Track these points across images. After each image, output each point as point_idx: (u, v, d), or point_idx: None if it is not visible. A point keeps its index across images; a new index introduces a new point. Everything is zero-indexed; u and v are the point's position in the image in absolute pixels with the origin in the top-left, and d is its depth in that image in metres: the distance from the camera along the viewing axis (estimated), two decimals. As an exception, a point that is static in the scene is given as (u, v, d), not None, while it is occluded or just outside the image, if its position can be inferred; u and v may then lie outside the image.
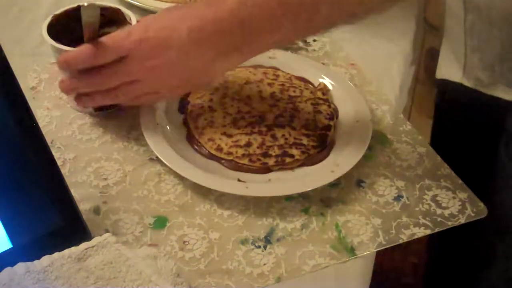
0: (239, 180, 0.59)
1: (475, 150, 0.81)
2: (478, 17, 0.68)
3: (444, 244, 0.94)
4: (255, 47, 0.59)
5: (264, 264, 0.54)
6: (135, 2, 0.85)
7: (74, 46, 0.61)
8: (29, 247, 0.48)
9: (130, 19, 0.67)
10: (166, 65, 0.58)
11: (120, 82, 0.60)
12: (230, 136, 0.63)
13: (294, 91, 0.69)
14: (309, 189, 0.59)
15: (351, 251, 0.55)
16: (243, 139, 0.62)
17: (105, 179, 0.61)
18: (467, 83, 0.73)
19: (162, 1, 0.85)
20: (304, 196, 0.60)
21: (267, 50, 0.62)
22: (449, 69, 0.74)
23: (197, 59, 0.58)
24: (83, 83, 0.61)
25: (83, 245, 0.48)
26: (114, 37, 0.59)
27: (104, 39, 0.58)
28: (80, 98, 0.64)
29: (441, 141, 0.67)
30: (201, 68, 0.59)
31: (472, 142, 0.81)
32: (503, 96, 0.70)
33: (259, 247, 0.55)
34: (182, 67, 0.59)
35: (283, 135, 0.63)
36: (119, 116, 0.68)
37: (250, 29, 0.57)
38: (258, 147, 0.62)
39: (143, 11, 0.85)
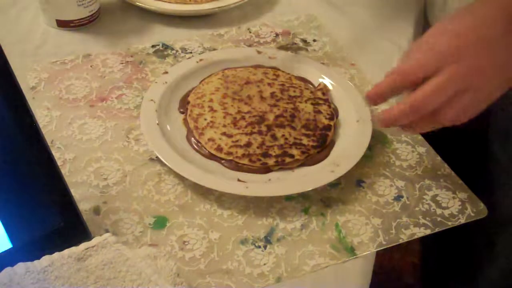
0: (239, 180, 0.59)
1: (470, 148, 0.81)
2: None
3: (440, 242, 0.94)
4: None
5: (264, 264, 0.54)
6: (135, 2, 0.85)
7: None
8: (29, 247, 0.48)
9: None
10: (489, 63, 0.53)
11: (443, 98, 0.53)
12: (230, 136, 0.63)
13: (294, 91, 0.69)
14: (309, 189, 0.59)
15: (351, 251, 0.55)
16: (243, 139, 0.62)
17: (105, 179, 0.61)
18: None
19: (162, 1, 0.85)
20: (304, 196, 0.60)
21: None
22: None
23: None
24: (405, 111, 0.54)
25: (83, 245, 0.48)
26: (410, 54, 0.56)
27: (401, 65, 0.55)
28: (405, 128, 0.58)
29: (441, 141, 0.67)
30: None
31: (466, 140, 0.81)
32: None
33: (259, 247, 0.55)
34: (503, 60, 0.53)
35: (283, 135, 0.63)
36: (118, 115, 0.68)
37: None
38: (258, 147, 0.62)
39: (143, 11, 0.85)
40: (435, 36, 0.55)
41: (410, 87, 0.55)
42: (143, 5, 0.84)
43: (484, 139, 0.79)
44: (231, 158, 0.61)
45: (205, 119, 0.65)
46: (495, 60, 0.53)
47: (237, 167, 0.61)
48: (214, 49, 0.78)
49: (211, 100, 0.67)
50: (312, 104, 0.67)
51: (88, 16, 0.82)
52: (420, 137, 0.68)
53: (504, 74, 0.54)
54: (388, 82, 0.56)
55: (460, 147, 0.81)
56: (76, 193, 0.56)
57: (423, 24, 0.87)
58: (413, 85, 0.54)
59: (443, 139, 0.67)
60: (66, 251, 0.47)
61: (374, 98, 0.58)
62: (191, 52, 0.78)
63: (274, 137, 0.63)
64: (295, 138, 0.63)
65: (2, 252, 0.47)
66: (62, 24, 0.81)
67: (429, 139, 0.67)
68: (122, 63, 0.76)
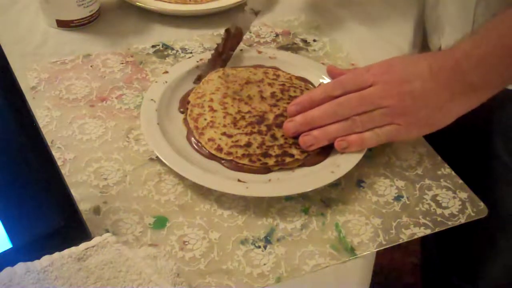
0: (239, 180, 0.59)
1: (471, 147, 0.81)
2: (482, 14, 0.68)
3: (441, 240, 0.94)
4: (492, 86, 0.60)
5: (264, 264, 0.54)
6: (135, 2, 0.85)
7: None
8: (29, 247, 0.48)
9: None
10: (410, 94, 0.58)
11: (364, 108, 0.60)
12: (230, 136, 0.63)
13: (295, 91, 0.69)
14: (309, 189, 0.59)
15: (351, 251, 0.55)
16: (243, 139, 0.62)
17: (105, 179, 0.61)
18: None
19: (162, 1, 0.85)
20: (304, 196, 0.60)
21: (502, 88, 0.61)
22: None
23: (437, 96, 0.58)
24: (322, 111, 0.61)
25: (83, 245, 0.48)
26: (353, 71, 0.62)
27: (342, 77, 0.63)
28: (304, 138, 0.61)
29: (441, 141, 0.67)
30: (439, 107, 0.59)
31: (467, 139, 0.81)
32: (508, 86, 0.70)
33: (259, 247, 0.55)
34: (423, 102, 0.59)
35: (283, 135, 0.63)
36: (118, 115, 0.68)
37: (486, 68, 0.58)
38: (258, 147, 0.62)
39: (143, 11, 0.85)
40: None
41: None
42: (143, 5, 0.84)
43: (485, 138, 0.79)
44: (231, 158, 0.61)
45: (205, 119, 0.65)
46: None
47: (237, 167, 0.61)
48: (214, 49, 0.78)
49: (211, 100, 0.67)
50: (312, 104, 0.67)
51: (88, 16, 0.82)
52: (420, 137, 0.68)
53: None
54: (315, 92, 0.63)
55: (461, 147, 0.81)
56: (76, 193, 0.56)
57: (423, 24, 0.87)
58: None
59: (443, 139, 0.67)
60: (66, 251, 0.47)
61: (307, 106, 0.62)
62: (191, 52, 0.78)
63: (274, 137, 0.63)
64: (295, 138, 0.63)
65: (2, 252, 0.47)
66: (62, 24, 0.81)
67: (429, 139, 0.67)
68: (122, 63, 0.76)
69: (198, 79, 0.71)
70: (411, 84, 0.58)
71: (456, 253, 0.92)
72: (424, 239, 1.04)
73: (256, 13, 0.72)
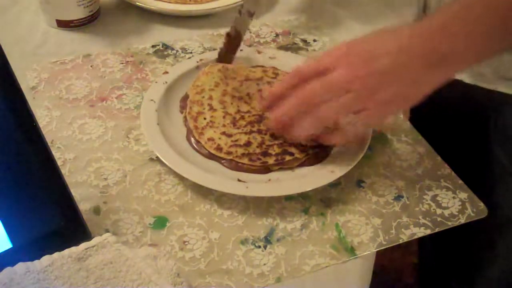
0: (239, 180, 0.59)
1: (471, 148, 0.81)
2: None
3: (439, 242, 0.94)
4: (464, 57, 0.55)
5: (264, 264, 0.54)
6: (135, 2, 0.85)
7: None
8: (29, 247, 0.48)
9: None
10: (378, 73, 0.54)
11: (330, 94, 0.55)
12: (229, 135, 0.63)
13: (294, 91, 0.69)
14: (309, 189, 0.59)
15: (351, 251, 0.55)
16: (243, 139, 0.62)
17: (105, 179, 0.61)
18: (466, 79, 0.72)
19: (162, 1, 0.85)
20: (304, 196, 0.60)
21: (478, 62, 0.59)
22: None
23: (408, 70, 0.55)
24: (288, 106, 0.58)
25: (83, 245, 0.48)
26: (316, 56, 0.58)
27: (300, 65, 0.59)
28: (288, 129, 0.60)
29: (441, 141, 0.67)
30: (411, 80, 0.55)
31: (466, 139, 0.81)
32: (505, 90, 0.69)
33: (259, 247, 0.55)
34: (394, 77, 0.55)
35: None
36: (118, 115, 0.68)
37: (456, 36, 0.54)
38: (257, 146, 0.62)
39: (143, 11, 0.85)
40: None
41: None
42: (143, 5, 0.84)
43: (483, 140, 0.79)
44: (231, 157, 0.61)
45: (205, 119, 0.64)
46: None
47: (237, 167, 0.61)
48: (214, 49, 0.78)
49: (210, 98, 0.67)
50: (312, 104, 0.67)
51: (88, 16, 0.82)
52: (420, 137, 0.68)
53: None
54: (285, 82, 0.59)
55: (460, 147, 0.81)
56: (76, 193, 0.56)
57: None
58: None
59: (443, 139, 0.67)
60: (66, 251, 0.47)
61: (273, 100, 0.60)
62: (191, 52, 0.78)
63: (273, 136, 0.63)
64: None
65: (2, 252, 0.47)
66: (62, 24, 0.81)
67: (429, 139, 0.67)
68: (122, 63, 0.76)
69: None
70: (378, 61, 0.54)
71: (455, 257, 0.92)
72: (421, 243, 1.04)
73: (252, 15, 0.72)
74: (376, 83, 0.55)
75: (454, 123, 0.82)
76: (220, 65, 0.70)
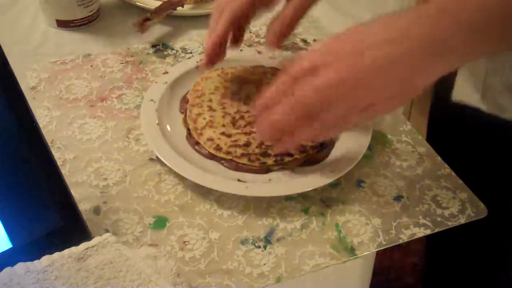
0: (239, 180, 0.59)
1: (471, 148, 0.80)
2: None
3: (446, 245, 0.94)
4: (470, 49, 0.49)
5: (264, 264, 0.54)
6: (135, 2, 0.85)
7: None
8: (29, 247, 0.48)
9: None
10: (369, 66, 0.48)
11: (324, 100, 0.50)
12: (229, 136, 0.63)
13: (294, 91, 0.69)
14: (309, 189, 0.59)
15: (351, 251, 0.55)
16: (242, 139, 0.62)
17: (105, 179, 0.61)
18: (485, 108, 0.67)
19: (162, 1, 0.85)
20: (304, 196, 0.60)
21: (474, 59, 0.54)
22: (466, 92, 0.69)
23: (409, 61, 0.48)
24: (281, 113, 0.52)
25: (83, 245, 0.48)
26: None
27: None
28: (281, 141, 0.54)
29: (440, 141, 0.67)
30: (415, 71, 0.49)
31: (466, 140, 0.80)
32: None
33: (259, 247, 0.55)
34: (391, 71, 0.49)
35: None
36: (118, 115, 0.68)
37: (458, 21, 0.47)
38: (257, 147, 0.62)
39: (143, 11, 0.85)
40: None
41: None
42: (143, 5, 0.84)
43: (500, 158, 0.78)
44: (230, 157, 0.61)
45: (204, 119, 0.64)
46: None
47: (237, 167, 0.61)
48: (214, 49, 0.78)
49: (210, 100, 0.67)
50: (312, 104, 0.67)
51: (88, 16, 0.82)
52: (420, 137, 0.68)
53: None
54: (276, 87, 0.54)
55: (460, 148, 0.80)
56: (76, 193, 0.56)
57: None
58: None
59: (443, 140, 0.67)
60: (66, 251, 0.47)
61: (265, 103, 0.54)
62: (191, 52, 0.78)
63: (274, 137, 0.63)
64: None
65: (2, 252, 0.47)
66: (62, 24, 0.81)
67: (429, 139, 0.67)
68: (122, 63, 0.76)
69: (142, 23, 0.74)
70: (369, 54, 0.48)
71: (460, 262, 0.92)
72: (428, 246, 1.03)
73: None
74: (363, 79, 0.49)
75: (454, 123, 0.81)
76: (219, 70, 0.70)
